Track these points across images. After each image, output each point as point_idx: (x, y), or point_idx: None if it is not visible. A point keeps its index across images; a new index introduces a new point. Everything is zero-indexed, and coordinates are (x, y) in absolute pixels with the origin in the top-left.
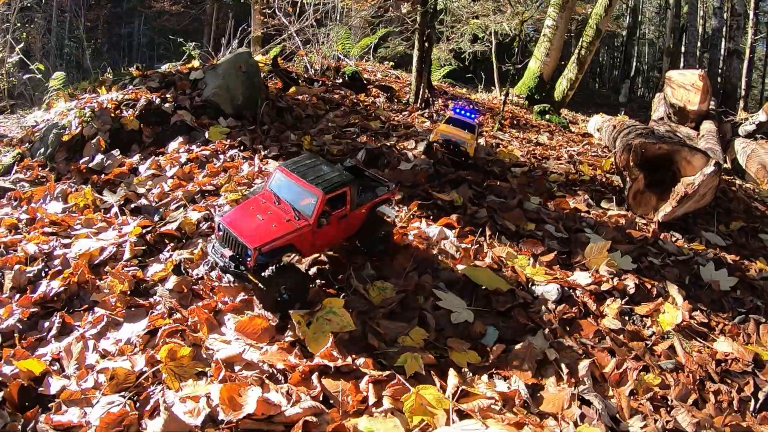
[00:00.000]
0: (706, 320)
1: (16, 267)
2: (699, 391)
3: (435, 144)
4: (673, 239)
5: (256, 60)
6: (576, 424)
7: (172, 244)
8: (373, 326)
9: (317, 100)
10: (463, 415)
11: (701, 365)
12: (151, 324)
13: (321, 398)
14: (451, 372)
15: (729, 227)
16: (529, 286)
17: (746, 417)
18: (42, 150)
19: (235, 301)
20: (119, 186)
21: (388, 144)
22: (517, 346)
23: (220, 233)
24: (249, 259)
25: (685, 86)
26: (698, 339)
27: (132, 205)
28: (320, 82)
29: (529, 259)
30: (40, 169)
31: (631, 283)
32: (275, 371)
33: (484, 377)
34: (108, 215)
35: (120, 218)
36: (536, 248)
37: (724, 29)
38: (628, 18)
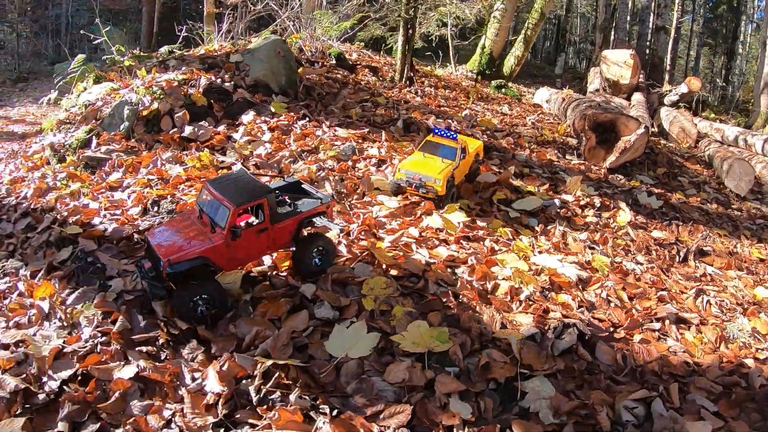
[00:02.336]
0: (645, 221)
1: None
2: (647, 249)
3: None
4: (618, 179)
5: (288, 46)
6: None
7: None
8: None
9: (326, 80)
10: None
11: (645, 240)
12: None
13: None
14: (524, 237)
15: (656, 172)
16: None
17: (675, 264)
18: (124, 125)
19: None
20: (226, 149)
21: (413, 116)
22: (549, 227)
23: (146, 248)
24: (162, 270)
25: (618, 63)
26: (642, 230)
27: (250, 163)
28: (319, 63)
29: (534, 188)
30: (125, 141)
31: (597, 201)
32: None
33: (541, 238)
34: None
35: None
36: (535, 182)
37: (653, 5)
38: None
